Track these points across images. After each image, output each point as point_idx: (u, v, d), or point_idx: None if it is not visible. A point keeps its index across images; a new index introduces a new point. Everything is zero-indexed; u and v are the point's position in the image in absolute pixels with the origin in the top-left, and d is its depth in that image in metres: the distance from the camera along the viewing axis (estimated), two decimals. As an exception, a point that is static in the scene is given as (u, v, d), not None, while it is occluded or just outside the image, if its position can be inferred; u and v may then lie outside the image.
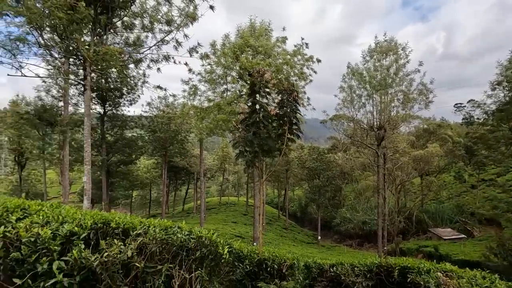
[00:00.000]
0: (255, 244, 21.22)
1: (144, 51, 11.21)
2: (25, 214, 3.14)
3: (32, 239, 2.51)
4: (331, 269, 5.13)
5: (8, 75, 10.82)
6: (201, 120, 18.42)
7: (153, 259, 2.94)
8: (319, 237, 45.37)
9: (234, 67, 17.73)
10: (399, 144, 34.52)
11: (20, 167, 36.92)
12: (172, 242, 3.08)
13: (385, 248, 26.80)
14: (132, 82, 30.24)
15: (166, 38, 11.24)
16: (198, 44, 11.55)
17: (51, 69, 23.44)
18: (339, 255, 34.18)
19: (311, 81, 18.79)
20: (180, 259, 3.17)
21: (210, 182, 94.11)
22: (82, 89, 27.97)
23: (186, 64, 12.29)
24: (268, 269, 4.60)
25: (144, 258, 2.84)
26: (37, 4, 8.18)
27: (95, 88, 28.51)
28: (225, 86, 19.39)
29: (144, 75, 30.17)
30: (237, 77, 17.40)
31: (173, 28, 10.98)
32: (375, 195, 41.14)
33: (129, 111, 32.44)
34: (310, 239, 49.45)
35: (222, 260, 3.42)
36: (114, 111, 30.97)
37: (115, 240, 2.73)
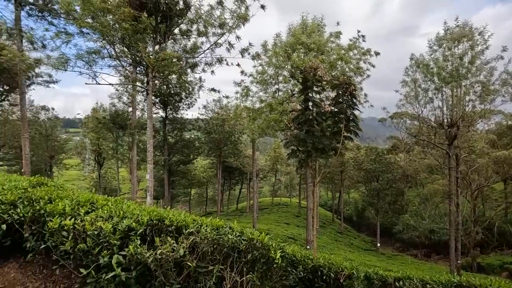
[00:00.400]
0: (308, 247, 20.60)
1: (199, 55, 11.76)
2: (93, 208, 3.40)
3: (96, 232, 2.67)
4: (396, 283, 4.56)
5: (86, 83, 12.40)
6: (253, 121, 18.63)
7: (205, 259, 2.90)
8: (379, 244, 42.20)
9: (286, 66, 17.49)
10: (475, 144, 30.14)
11: (99, 166, 42.28)
12: (223, 243, 3.00)
13: (458, 262, 23.57)
14: (189, 87, 32.21)
15: (219, 41, 11.63)
16: (250, 44, 11.70)
17: (121, 78, 26.26)
18: (403, 266, 31.24)
19: (368, 76, 17.53)
20: (231, 261, 3.07)
21: (262, 183, 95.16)
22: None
23: (238, 65, 12.53)
24: (324, 277, 4.26)
25: (196, 258, 2.81)
26: (108, 18, 9.28)
27: (157, 93, 31.09)
28: (276, 86, 19.26)
29: (200, 79, 31.88)
30: (289, 76, 17.12)
31: (225, 31, 11.31)
32: (445, 201, 36.54)
33: (187, 114, 34.54)
34: (367, 246, 46.32)
35: (275, 265, 3.23)
36: (174, 115, 33.34)
37: (168, 238, 2.74)
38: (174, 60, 10.50)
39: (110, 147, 28.89)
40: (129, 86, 27.64)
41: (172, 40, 12.86)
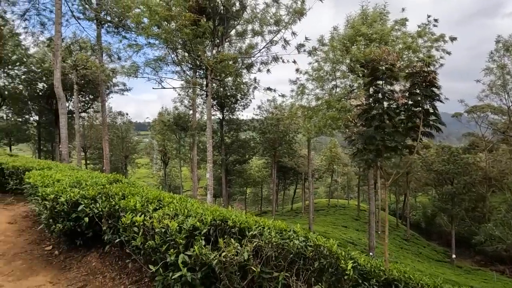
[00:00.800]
0: (371, 254, 19.15)
1: (255, 55, 11.83)
2: (160, 206, 3.51)
3: (163, 230, 2.70)
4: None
5: (153, 88, 13.49)
6: (309, 120, 18.07)
7: (269, 265, 2.72)
8: (454, 256, 37.27)
9: (344, 61, 16.53)
10: None
11: (164, 165, 46.16)
12: (288, 248, 2.79)
13: None
14: (244, 88, 32.95)
15: (275, 39, 11.52)
16: (306, 38, 11.23)
17: (183, 83, 28.05)
18: (486, 284, 27.05)
19: (441, 65, 15.49)
20: (297, 268, 2.84)
21: (318, 183, 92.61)
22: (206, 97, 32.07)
23: (294, 61, 12.22)
24: (400, 293, 3.73)
25: (260, 262, 2.64)
26: (171, 26, 9.99)
27: (215, 96, 32.50)
28: (334, 82, 18.36)
29: (255, 80, 32.44)
30: (347, 71, 16.12)
31: (281, 27, 11.11)
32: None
33: (242, 115, 35.36)
34: (439, 256, 41.30)
35: (345, 276, 2.89)
36: (231, 116, 34.49)
37: (232, 240, 2.63)
38: (230, 62, 10.74)
39: (174, 147, 31.21)
40: (190, 90, 29.45)
41: (228, 43, 13.18)
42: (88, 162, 43.89)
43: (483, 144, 47.31)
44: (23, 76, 30.97)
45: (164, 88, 11.35)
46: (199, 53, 10.19)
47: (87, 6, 20.36)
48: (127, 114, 46.67)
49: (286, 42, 11.38)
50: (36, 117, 37.93)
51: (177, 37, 9.73)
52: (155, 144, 47.23)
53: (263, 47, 11.57)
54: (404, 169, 43.77)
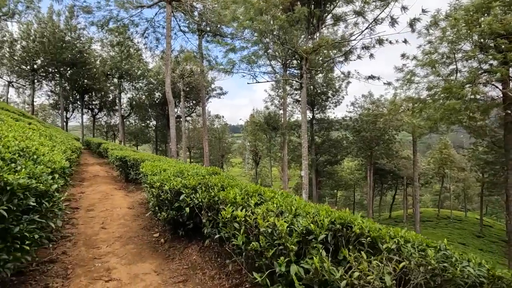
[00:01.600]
0: None
1: (356, 37, 10.43)
2: (261, 200, 3.02)
3: (269, 230, 2.16)
4: None
5: (248, 83, 13.78)
6: (419, 113, 15.22)
7: (420, 298, 1.83)
8: None
9: (470, 38, 13.28)
10: None
11: (256, 164, 48.08)
12: (450, 277, 1.84)
13: None
14: (337, 83, 31.02)
15: (381, 15, 9.88)
16: (423, 11, 9.13)
17: (273, 83, 28.32)
18: None
19: None
20: (464, 310, 1.85)
21: (423, 190, 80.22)
22: (297, 97, 31.61)
23: (405, 41, 10.23)
24: None
25: (406, 292, 1.79)
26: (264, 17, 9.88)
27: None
28: (453, 66, 15.07)
29: (348, 74, 30.10)
30: (477, 49, 12.81)
31: (390, 0, 9.42)
32: None
33: (334, 113, 33.44)
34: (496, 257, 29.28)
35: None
36: (321, 115, 33.05)
37: (362, 253, 1.86)
38: (326, 51, 9.83)
39: (265, 147, 31.94)
40: (280, 91, 29.57)
41: (326, 29, 12.18)
42: (191, 160, 49.67)
43: None
44: (144, 88, 37.31)
45: (258, 82, 11.39)
46: (294, 41, 9.66)
47: (190, 20, 22.79)
48: (223, 116, 50.69)
49: (394, 20, 9.63)
50: (154, 122, 45.30)
51: (271, 26, 9.48)
52: (247, 145, 49.72)
53: (366, 27, 10.07)
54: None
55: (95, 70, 32.67)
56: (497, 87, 12.76)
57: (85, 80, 33.77)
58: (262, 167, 63.32)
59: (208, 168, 5.42)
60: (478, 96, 14.67)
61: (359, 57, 11.12)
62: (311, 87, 30.69)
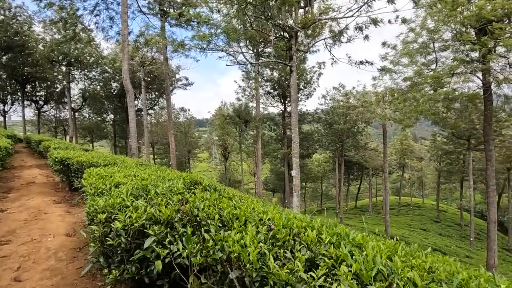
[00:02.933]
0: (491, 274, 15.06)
1: (354, 14, 9.20)
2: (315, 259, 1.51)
3: None
4: None
5: (227, 65, 12.06)
6: (403, 103, 14.69)
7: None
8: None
9: (451, 24, 12.88)
10: None
11: (225, 159, 46.27)
12: None
13: None
14: (307, 76, 30.27)
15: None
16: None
17: (245, 73, 26.70)
18: None
19: None
20: None
21: (381, 179, 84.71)
22: (268, 88, 30.21)
23: (404, 21, 9.27)
24: None
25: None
26: None
27: (276, 86, 30.58)
28: (431, 57, 14.71)
29: (320, 66, 29.47)
30: (456, 38, 12.39)
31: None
32: None
33: (305, 105, 32.76)
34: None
35: None
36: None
37: None
38: (320, 26, 8.55)
39: (237, 141, 30.28)
40: (250, 82, 28.00)
41: (316, 5, 10.78)
42: (155, 157, 46.36)
43: None
44: (99, 77, 33.34)
45: (239, 64, 9.77)
46: (282, 16, 8.19)
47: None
48: (188, 110, 47.91)
49: (393, -5, 8.62)
50: (112, 116, 41.14)
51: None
52: (215, 139, 47.65)
53: (364, 4, 8.87)
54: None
55: (37, 55, 28.19)
56: (478, 77, 12.50)
57: (26, 68, 29.06)
58: (231, 161, 61.62)
59: (184, 176, 3.77)
60: (455, 86, 14.46)
61: (349, 40, 9.97)
62: (283, 78, 29.61)
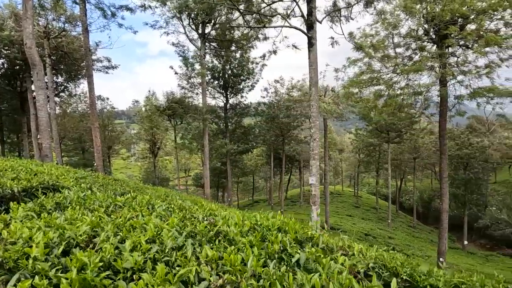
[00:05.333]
0: (441, 260, 16.34)
1: None
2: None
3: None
4: None
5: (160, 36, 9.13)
6: (360, 92, 14.46)
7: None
8: (466, 242, 36.33)
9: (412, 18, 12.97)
10: None
11: (153, 155, 41.10)
12: None
13: None
14: (250, 66, 28.65)
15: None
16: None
17: (182, 58, 23.25)
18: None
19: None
20: None
21: (305, 171, 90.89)
22: (208, 78, 27.22)
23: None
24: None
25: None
26: None
27: (217, 75, 28.00)
28: (388, 51, 14.79)
29: (264, 57, 28.12)
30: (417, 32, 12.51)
31: None
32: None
33: (246, 99, 31.21)
34: (448, 243, 40.50)
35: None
36: (234, 100, 30.24)
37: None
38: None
39: (168, 135, 26.27)
40: (191, 68, 24.62)
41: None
42: (63, 157, 37.92)
43: (486, 127, 46.66)
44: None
45: (174, 46, 7.02)
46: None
47: None
48: (107, 98, 40.76)
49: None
50: (-4, 103, 31.31)
51: None
52: (142, 133, 41.86)
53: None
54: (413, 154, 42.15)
55: None
56: (437, 73, 12.89)
57: None
58: (159, 157, 55.83)
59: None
60: (409, 83, 14.83)
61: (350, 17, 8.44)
62: (227, 66, 27.25)
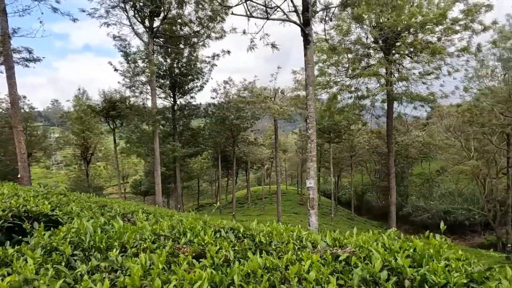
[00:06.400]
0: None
1: None
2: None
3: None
4: None
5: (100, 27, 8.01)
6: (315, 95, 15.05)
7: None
8: (394, 229, 41.14)
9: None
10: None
11: (86, 163, 36.33)
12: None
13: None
14: (198, 65, 27.55)
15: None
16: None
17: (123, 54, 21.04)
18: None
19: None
20: None
21: (252, 170, 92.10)
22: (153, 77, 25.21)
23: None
24: None
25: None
26: None
27: (164, 74, 26.17)
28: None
29: (213, 57, 27.31)
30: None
31: None
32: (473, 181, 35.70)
33: (195, 100, 29.93)
34: (382, 230, 45.40)
35: None
36: (182, 101, 28.67)
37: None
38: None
39: (125, 139, 23.37)
40: (134, 64, 22.41)
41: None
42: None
43: (405, 127, 53.93)
44: None
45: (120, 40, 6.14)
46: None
47: None
48: (24, 97, 34.60)
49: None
50: None
51: None
52: (71, 137, 36.73)
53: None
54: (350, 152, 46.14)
55: None
56: (384, 77, 14.11)
57: None
58: (91, 165, 49.63)
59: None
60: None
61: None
62: (174, 65, 25.67)
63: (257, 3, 6.60)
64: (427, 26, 12.59)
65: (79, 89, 33.18)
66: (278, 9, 6.65)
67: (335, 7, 7.31)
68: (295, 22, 6.47)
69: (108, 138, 45.32)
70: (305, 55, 6.66)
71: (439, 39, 13.05)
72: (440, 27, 12.89)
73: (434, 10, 12.81)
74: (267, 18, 6.50)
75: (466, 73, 15.66)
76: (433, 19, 12.23)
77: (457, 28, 12.42)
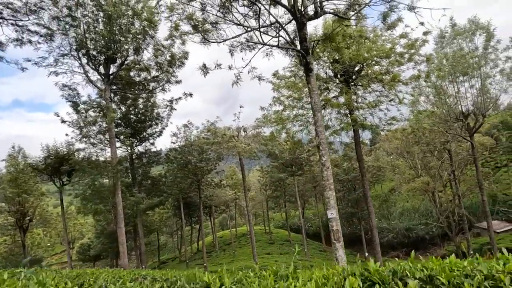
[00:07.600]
0: None
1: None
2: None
3: None
4: None
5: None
6: (283, 129, 15.34)
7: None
8: (367, 254, 41.65)
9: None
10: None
11: (23, 231, 30.74)
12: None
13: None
14: (156, 111, 26.65)
15: None
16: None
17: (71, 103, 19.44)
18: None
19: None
20: None
21: (217, 214, 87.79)
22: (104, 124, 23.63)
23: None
24: None
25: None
26: None
27: (121, 122, 24.60)
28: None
29: (171, 102, 26.78)
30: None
31: None
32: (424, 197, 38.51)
33: (155, 147, 28.40)
34: (353, 258, 45.48)
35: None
36: (141, 148, 26.90)
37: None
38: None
39: (79, 196, 20.00)
40: (85, 114, 20.66)
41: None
42: None
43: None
44: None
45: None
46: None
47: None
48: None
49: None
50: None
51: None
52: (2, 205, 31.29)
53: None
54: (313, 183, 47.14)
55: None
56: (349, 107, 15.02)
57: None
58: (28, 234, 42.11)
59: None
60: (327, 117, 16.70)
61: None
62: (132, 112, 24.43)
63: (259, 42, 6.59)
64: (378, 59, 14.10)
65: (13, 147, 29.16)
66: (273, 40, 6.79)
67: (318, 41, 7.80)
68: (298, 50, 6.57)
69: (50, 199, 39.64)
70: (309, 83, 6.70)
71: (387, 71, 14.63)
72: (389, 59, 14.58)
73: (386, 45, 14.54)
74: (278, 46, 6.48)
75: (412, 99, 17.57)
76: (384, 53, 13.82)
77: (403, 60, 14.17)
